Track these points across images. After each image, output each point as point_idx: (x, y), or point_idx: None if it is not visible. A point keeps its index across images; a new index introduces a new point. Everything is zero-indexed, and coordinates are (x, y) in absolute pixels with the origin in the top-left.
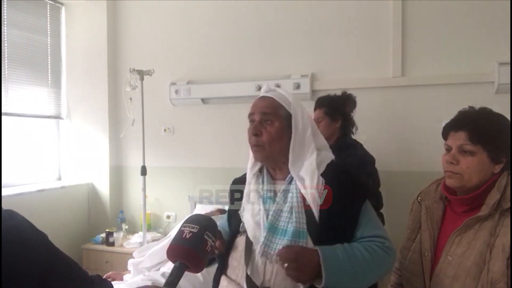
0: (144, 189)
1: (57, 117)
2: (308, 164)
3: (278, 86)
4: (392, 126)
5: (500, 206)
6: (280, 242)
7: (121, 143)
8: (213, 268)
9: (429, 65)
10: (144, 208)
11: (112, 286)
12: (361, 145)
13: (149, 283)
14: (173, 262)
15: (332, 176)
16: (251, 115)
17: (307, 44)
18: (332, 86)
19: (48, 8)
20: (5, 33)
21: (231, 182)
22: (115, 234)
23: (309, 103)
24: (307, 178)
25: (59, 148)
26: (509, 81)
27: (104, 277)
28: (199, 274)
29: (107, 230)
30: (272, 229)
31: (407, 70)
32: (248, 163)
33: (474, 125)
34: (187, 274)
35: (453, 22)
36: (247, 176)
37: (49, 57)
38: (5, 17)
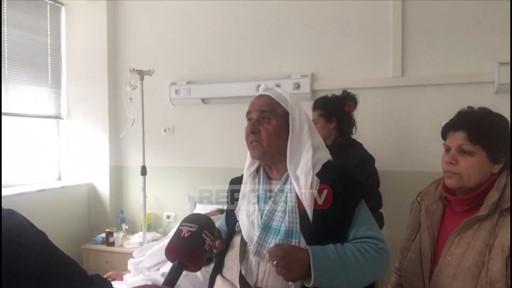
0: (144, 189)
1: (57, 117)
2: (304, 162)
3: (278, 86)
4: (392, 126)
5: (499, 206)
6: (273, 242)
7: (121, 143)
8: (212, 267)
9: (429, 65)
10: (144, 208)
11: (112, 286)
12: (361, 144)
13: (149, 283)
14: (171, 261)
15: (327, 176)
16: (249, 113)
17: (307, 44)
18: (332, 86)
19: (48, 8)
20: (5, 33)
21: (229, 182)
22: (115, 234)
23: (309, 103)
24: (301, 177)
25: (59, 148)
26: (509, 81)
27: (104, 277)
28: (199, 274)
29: (107, 230)
30: (266, 228)
31: (407, 70)
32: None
33: (473, 125)
34: (187, 274)
35: (453, 22)
36: (244, 176)
37: (49, 57)
38: (5, 17)
